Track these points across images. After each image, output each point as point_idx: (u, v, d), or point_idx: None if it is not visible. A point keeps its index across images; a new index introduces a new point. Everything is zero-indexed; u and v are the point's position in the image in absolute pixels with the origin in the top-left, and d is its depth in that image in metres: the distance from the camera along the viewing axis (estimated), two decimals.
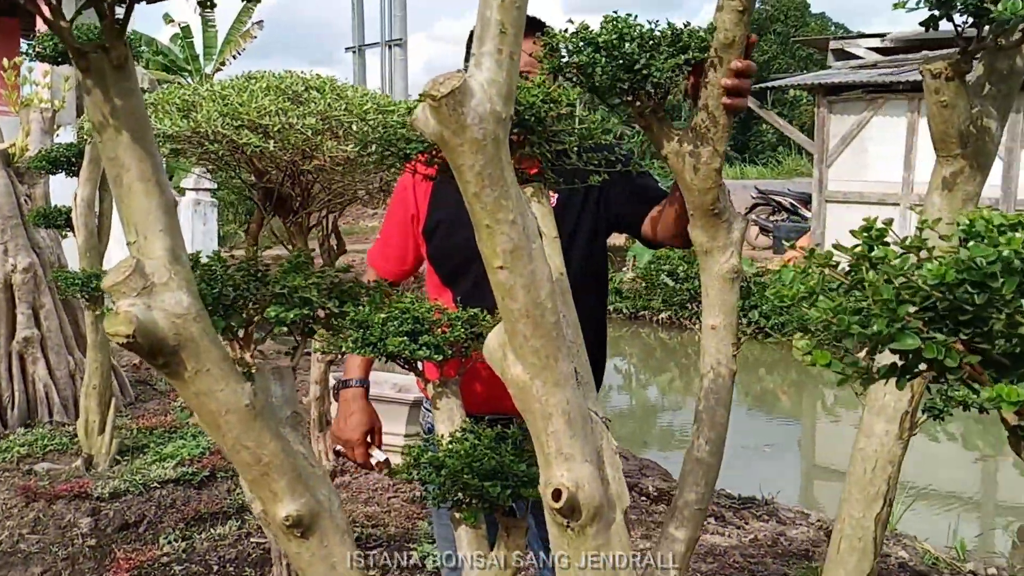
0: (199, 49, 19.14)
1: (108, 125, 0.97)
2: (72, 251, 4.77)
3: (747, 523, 4.73)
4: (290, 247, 2.93)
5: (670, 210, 1.94)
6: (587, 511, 1.09)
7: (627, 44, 1.39)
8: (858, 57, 12.20)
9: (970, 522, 5.94)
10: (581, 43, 1.41)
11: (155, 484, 4.11)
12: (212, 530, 3.82)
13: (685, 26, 1.54)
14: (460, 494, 1.71)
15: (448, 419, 1.96)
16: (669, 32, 1.49)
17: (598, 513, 1.10)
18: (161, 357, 0.97)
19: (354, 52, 23.84)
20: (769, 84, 14.69)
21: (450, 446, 1.77)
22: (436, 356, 1.79)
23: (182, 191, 10.23)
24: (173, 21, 18.98)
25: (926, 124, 1.47)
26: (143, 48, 15.75)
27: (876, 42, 12.13)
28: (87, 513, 3.92)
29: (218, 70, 19.27)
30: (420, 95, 0.93)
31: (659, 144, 1.65)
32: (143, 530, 3.88)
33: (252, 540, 3.78)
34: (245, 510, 4.11)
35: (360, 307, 1.46)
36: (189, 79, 18.63)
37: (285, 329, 1.34)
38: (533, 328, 1.02)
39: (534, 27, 2.08)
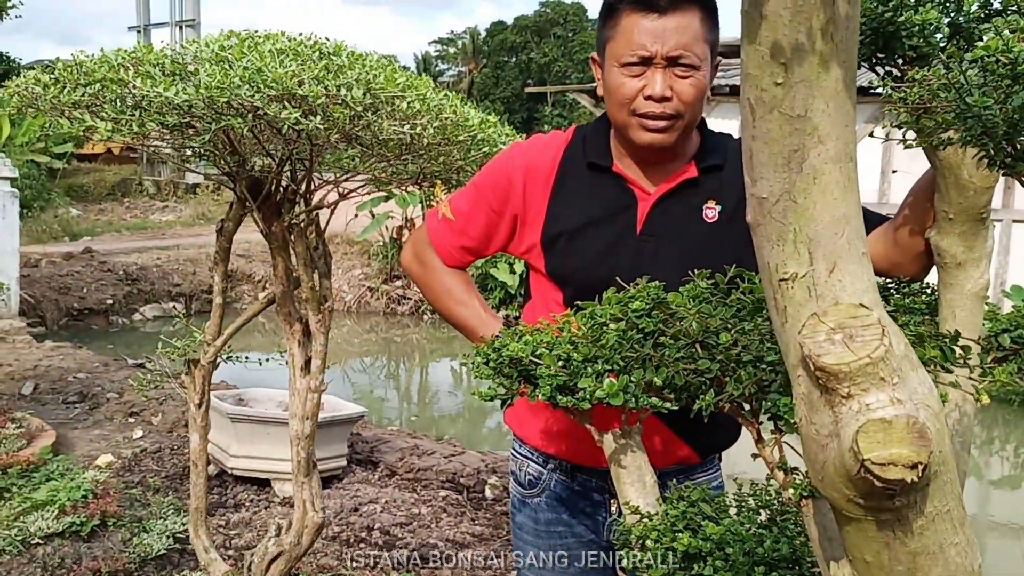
0: None
1: (810, 52, 0.50)
2: None
3: None
4: (285, 257, 2.35)
5: (912, 226, 1.59)
6: None
7: None
8: None
9: None
10: None
11: (36, 540, 3.31)
12: None
13: None
14: None
15: (639, 481, 1.54)
16: None
17: None
18: (899, 498, 0.52)
19: (139, 32, 22.09)
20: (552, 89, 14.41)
21: (705, 525, 1.34)
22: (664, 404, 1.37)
23: None
24: None
25: None
26: None
27: None
28: None
29: None
30: None
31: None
32: None
33: None
34: (151, 564, 3.40)
35: None
36: None
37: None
38: None
39: None
